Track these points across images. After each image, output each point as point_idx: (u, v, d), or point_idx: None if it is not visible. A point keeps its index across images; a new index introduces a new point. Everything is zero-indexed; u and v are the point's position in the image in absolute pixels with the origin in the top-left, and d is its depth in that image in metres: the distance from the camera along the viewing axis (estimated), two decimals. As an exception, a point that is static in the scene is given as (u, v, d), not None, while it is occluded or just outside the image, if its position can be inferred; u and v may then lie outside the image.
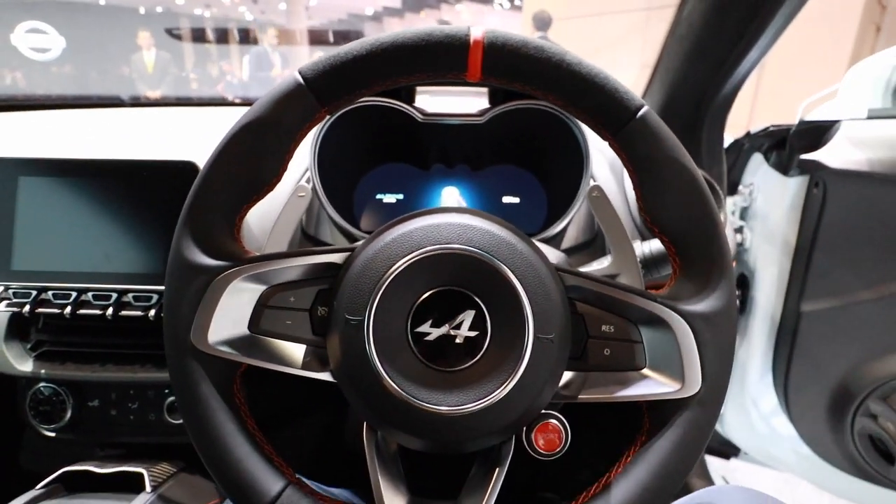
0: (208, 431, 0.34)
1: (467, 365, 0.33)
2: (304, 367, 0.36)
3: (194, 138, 0.71)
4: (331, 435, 0.85)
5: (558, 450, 0.36)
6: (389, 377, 0.32)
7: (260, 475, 0.34)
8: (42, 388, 0.62)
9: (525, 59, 0.34)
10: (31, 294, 0.58)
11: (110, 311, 0.56)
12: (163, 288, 0.56)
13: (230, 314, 0.35)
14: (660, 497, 0.33)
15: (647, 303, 0.35)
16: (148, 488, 0.56)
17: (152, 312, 0.56)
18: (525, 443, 0.36)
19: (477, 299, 0.33)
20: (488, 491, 0.33)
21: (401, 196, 0.70)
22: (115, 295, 0.57)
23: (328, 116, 0.58)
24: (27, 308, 0.57)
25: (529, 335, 0.32)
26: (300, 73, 0.34)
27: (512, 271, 0.33)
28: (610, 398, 0.35)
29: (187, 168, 0.57)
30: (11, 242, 0.58)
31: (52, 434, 0.62)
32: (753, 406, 1.00)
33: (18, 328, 0.62)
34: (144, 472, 0.57)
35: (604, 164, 0.69)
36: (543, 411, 0.35)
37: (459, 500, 0.35)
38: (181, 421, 0.62)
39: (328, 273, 0.37)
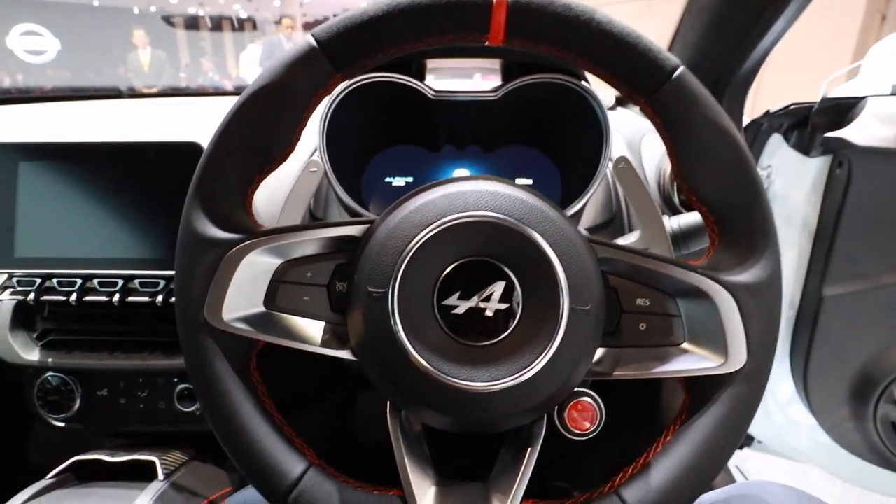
0: (226, 412, 0.32)
1: (498, 339, 0.31)
2: (323, 344, 0.34)
3: (195, 125, 0.69)
4: (344, 421, 0.84)
5: (592, 429, 0.34)
6: (416, 351, 0.30)
7: (281, 457, 0.32)
8: (50, 378, 0.60)
9: (551, 19, 0.32)
10: (35, 282, 0.56)
11: (117, 297, 0.55)
12: (170, 273, 0.56)
13: (245, 290, 0.33)
14: (703, 477, 0.32)
15: (687, 274, 0.33)
16: (160, 476, 0.55)
17: (160, 298, 0.55)
18: (557, 422, 0.34)
19: (507, 270, 0.31)
20: (520, 472, 0.32)
21: (410, 179, 0.68)
22: (121, 281, 0.56)
23: (338, 90, 0.56)
24: (32, 296, 0.56)
25: (564, 306, 0.30)
26: (313, 35, 0.32)
27: (545, 239, 0.31)
28: (647, 375, 0.33)
29: (191, 149, 0.55)
30: (14, 229, 0.56)
31: (62, 424, 0.61)
32: (769, 394, 0.98)
33: (24, 317, 0.60)
34: (156, 460, 0.56)
35: (621, 142, 0.67)
36: (576, 389, 0.33)
37: (489, 482, 0.33)
38: (191, 409, 0.61)
39: (346, 247, 0.35)
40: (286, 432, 0.34)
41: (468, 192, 0.33)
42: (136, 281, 0.56)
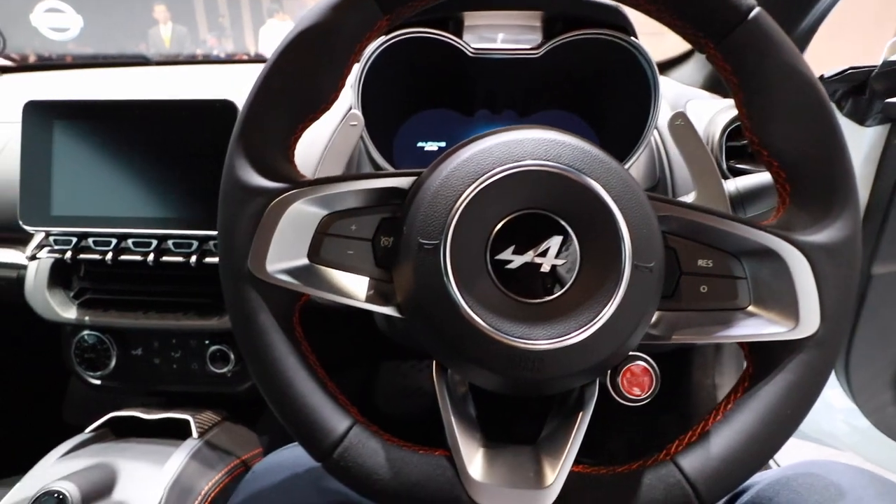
0: (271, 366, 0.32)
1: (554, 296, 0.30)
2: (368, 300, 0.33)
3: (224, 90, 0.68)
4: (380, 385, 0.84)
5: (646, 395, 0.33)
6: (468, 306, 0.29)
7: (325, 413, 0.31)
8: (86, 336, 0.61)
9: None
10: (71, 241, 0.57)
11: (151, 257, 0.55)
12: (202, 233, 0.55)
13: (288, 241, 0.32)
14: (766, 448, 0.30)
15: (756, 233, 0.31)
16: (194, 434, 0.56)
17: (193, 259, 0.55)
18: (609, 386, 0.33)
19: (564, 223, 0.30)
20: (571, 437, 0.30)
21: (443, 144, 0.66)
22: (154, 241, 0.56)
23: (371, 48, 0.54)
24: (68, 255, 0.56)
25: (627, 263, 0.29)
26: None
27: (607, 191, 0.29)
28: (708, 339, 0.31)
29: (224, 107, 0.54)
30: (50, 188, 0.56)
31: (98, 382, 0.62)
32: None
33: (61, 276, 0.61)
34: (190, 418, 0.57)
35: (665, 108, 0.64)
36: (631, 353, 0.32)
37: (538, 446, 0.32)
38: (223, 371, 0.62)
39: (392, 200, 0.34)
40: (330, 389, 0.33)
41: (526, 140, 0.31)
42: (170, 242, 0.56)
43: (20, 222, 0.56)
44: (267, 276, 0.32)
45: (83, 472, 0.48)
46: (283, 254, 0.32)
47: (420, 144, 0.66)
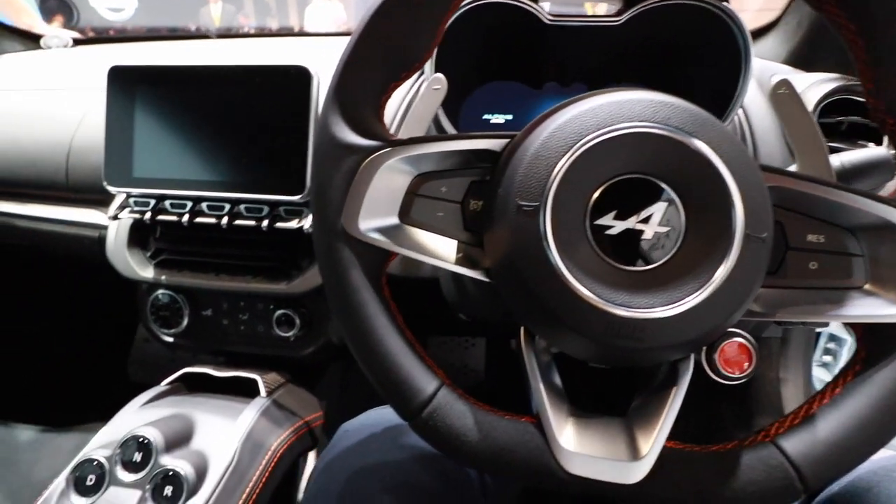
0: (362, 323, 0.32)
1: (657, 264, 0.28)
2: (457, 262, 0.33)
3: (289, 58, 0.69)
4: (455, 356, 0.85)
5: (744, 374, 0.31)
6: (567, 270, 0.28)
7: (415, 373, 0.32)
8: (160, 295, 0.64)
9: None
10: (150, 202, 0.59)
11: (225, 220, 0.57)
12: (273, 198, 0.56)
13: (380, 200, 0.33)
14: (878, 436, 0.28)
15: (877, 206, 0.28)
16: (262, 393, 0.58)
17: (265, 223, 0.56)
18: (705, 363, 0.31)
19: (670, 189, 0.28)
20: (665, 412, 0.29)
21: (510, 117, 0.64)
22: (227, 205, 0.57)
23: None
24: (148, 216, 0.59)
25: (738, 232, 0.27)
26: None
27: (719, 156, 0.28)
28: (818, 319, 0.30)
29: (300, 73, 0.54)
30: (132, 151, 0.59)
31: (171, 339, 0.65)
32: None
33: (139, 236, 0.64)
34: (259, 378, 0.59)
35: (752, 83, 0.60)
36: (729, 330, 0.30)
37: (629, 418, 0.31)
38: (288, 335, 0.63)
39: (482, 162, 0.33)
40: (418, 350, 0.33)
41: (632, 101, 0.29)
42: (242, 206, 0.57)
43: (104, 183, 0.59)
44: (359, 234, 0.32)
45: (164, 420, 0.51)
46: (375, 212, 0.33)
47: (486, 117, 0.65)
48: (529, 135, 0.31)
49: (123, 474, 0.47)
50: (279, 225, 0.56)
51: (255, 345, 0.64)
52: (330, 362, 0.81)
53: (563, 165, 0.29)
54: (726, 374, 0.31)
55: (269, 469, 0.51)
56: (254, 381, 0.59)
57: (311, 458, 0.61)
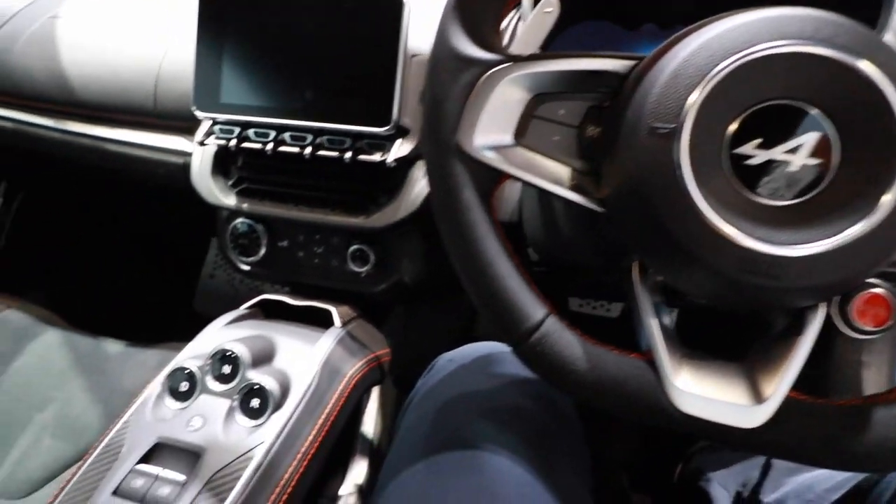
0: (472, 244, 0.31)
1: (803, 199, 0.26)
2: (572, 189, 0.31)
3: None
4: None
5: (882, 328, 0.29)
6: (703, 198, 0.26)
7: (524, 298, 0.31)
8: (239, 224, 0.66)
9: None
10: (234, 130, 0.59)
11: (308, 150, 0.56)
12: (356, 129, 0.56)
13: (497, 118, 0.31)
14: None
15: None
16: (338, 323, 0.59)
17: (347, 155, 0.55)
18: (838, 312, 0.29)
19: (826, 118, 0.25)
20: (790, 361, 0.27)
21: None
22: (310, 136, 0.57)
23: None
24: (233, 143, 0.59)
25: None
26: None
27: (893, 83, 0.24)
28: None
29: (392, 2, 0.52)
30: (220, 76, 0.59)
31: (248, 268, 0.67)
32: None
33: (222, 164, 0.65)
34: (333, 309, 0.60)
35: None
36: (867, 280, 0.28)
37: (749, 363, 0.30)
38: (361, 270, 0.64)
39: (602, 86, 0.31)
40: (525, 276, 0.32)
41: (787, 18, 0.26)
42: (325, 137, 0.57)
43: (193, 108, 0.60)
44: (473, 151, 0.31)
45: (250, 339, 0.53)
46: (491, 130, 0.31)
47: None
48: (665, 54, 0.28)
49: (214, 384, 0.50)
50: (361, 157, 0.56)
51: (327, 278, 0.65)
52: (396, 303, 0.82)
53: (707, 84, 0.26)
54: (860, 326, 0.29)
55: (345, 395, 0.53)
56: (328, 312, 0.60)
57: (375, 393, 0.62)
